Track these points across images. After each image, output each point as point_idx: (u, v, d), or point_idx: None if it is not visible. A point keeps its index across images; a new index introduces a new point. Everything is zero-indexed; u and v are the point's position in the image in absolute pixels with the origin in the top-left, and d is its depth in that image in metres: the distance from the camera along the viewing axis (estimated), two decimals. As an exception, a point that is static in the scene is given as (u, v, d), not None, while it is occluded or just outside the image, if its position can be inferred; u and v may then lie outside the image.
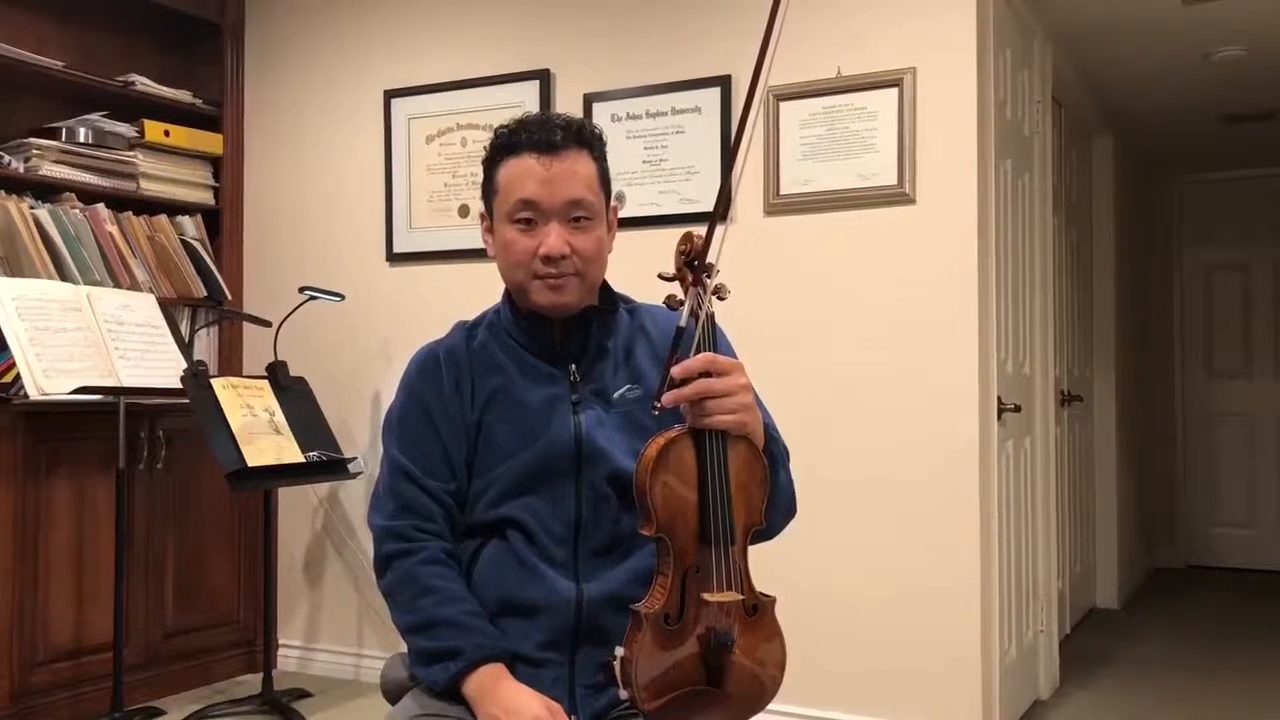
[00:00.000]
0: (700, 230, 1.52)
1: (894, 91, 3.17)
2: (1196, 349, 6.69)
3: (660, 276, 1.53)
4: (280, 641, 4.15)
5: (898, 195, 3.18)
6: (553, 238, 1.60)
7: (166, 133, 4.03)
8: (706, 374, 1.45)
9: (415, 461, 1.65)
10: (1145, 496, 6.28)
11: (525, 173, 1.61)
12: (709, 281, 1.48)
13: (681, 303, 1.49)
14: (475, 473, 1.66)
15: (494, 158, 1.67)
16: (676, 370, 1.44)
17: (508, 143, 1.64)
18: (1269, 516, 6.42)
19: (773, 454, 1.57)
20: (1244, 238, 6.54)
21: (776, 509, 1.58)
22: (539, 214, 1.61)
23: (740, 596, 1.47)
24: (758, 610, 1.51)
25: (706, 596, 1.44)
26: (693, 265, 1.50)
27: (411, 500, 1.64)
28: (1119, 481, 5.49)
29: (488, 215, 1.71)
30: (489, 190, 1.68)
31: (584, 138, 1.65)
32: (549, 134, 1.62)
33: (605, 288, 1.73)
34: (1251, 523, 6.48)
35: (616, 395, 1.65)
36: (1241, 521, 6.50)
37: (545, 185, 1.60)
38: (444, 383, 1.68)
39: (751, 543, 1.53)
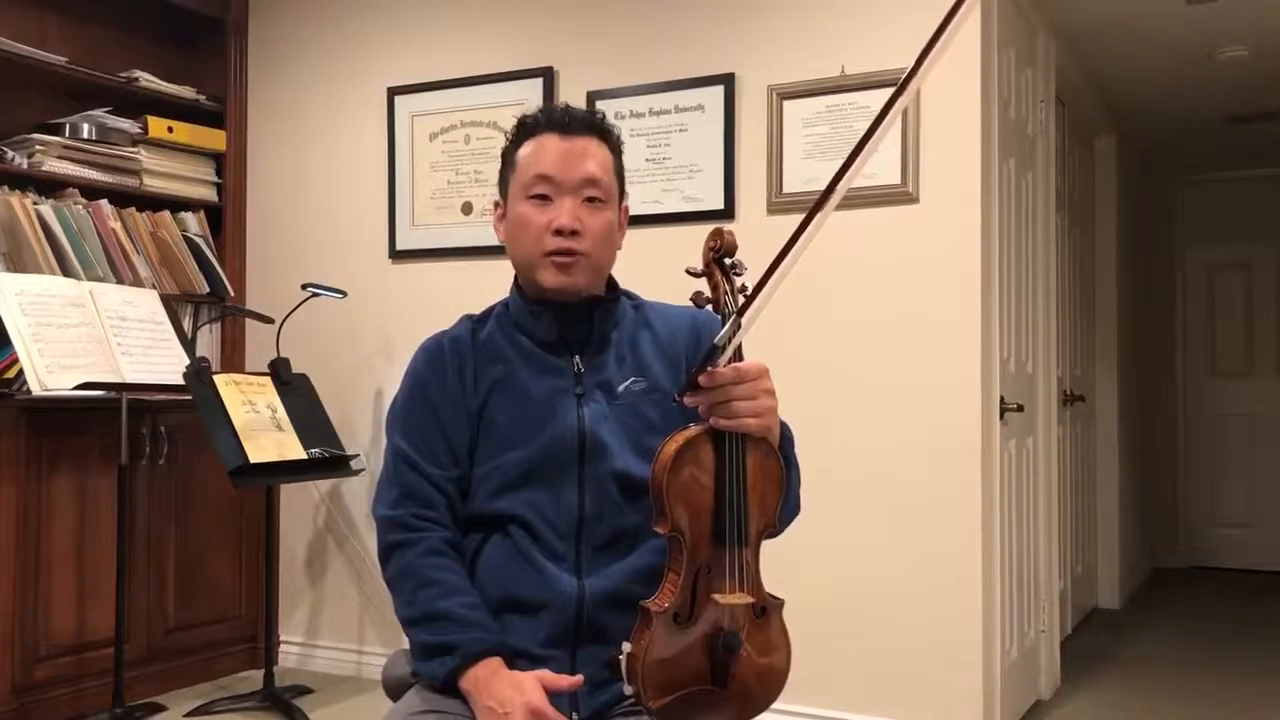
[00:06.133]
0: (726, 226, 1.53)
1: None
2: (1199, 349, 6.69)
3: (689, 272, 1.52)
4: (282, 638, 4.15)
5: (901, 194, 3.18)
6: (565, 211, 1.63)
7: (170, 129, 4.03)
8: (735, 382, 1.45)
9: (417, 448, 1.66)
10: (1147, 496, 6.28)
11: (544, 149, 1.66)
12: (741, 283, 1.47)
13: (709, 300, 1.48)
14: (476, 460, 1.66)
15: (515, 141, 1.71)
16: (704, 379, 1.42)
17: (529, 125, 1.69)
18: (1271, 517, 6.43)
19: (786, 455, 1.57)
20: (1246, 237, 6.55)
21: (786, 510, 1.58)
22: (554, 189, 1.64)
23: (751, 599, 1.46)
24: (766, 612, 1.51)
25: (718, 598, 1.44)
26: (721, 263, 1.49)
27: (414, 487, 1.64)
28: (1121, 481, 5.49)
29: (503, 200, 1.73)
30: (506, 171, 1.71)
31: (602, 129, 1.70)
32: (569, 118, 1.67)
33: (610, 281, 1.75)
34: (1253, 523, 6.48)
35: (621, 388, 1.66)
36: (1243, 522, 6.50)
37: (562, 160, 1.64)
38: (448, 371, 1.69)
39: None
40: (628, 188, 1.79)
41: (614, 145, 1.71)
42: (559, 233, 1.62)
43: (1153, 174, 6.51)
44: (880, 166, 3.18)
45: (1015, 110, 3.57)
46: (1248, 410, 6.53)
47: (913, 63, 1.35)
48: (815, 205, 1.38)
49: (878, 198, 3.19)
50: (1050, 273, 3.93)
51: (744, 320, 1.42)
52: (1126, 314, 5.68)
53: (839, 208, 3.41)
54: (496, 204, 1.75)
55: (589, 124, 1.68)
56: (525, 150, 1.68)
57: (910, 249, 3.18)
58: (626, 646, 1.43)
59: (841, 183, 1.35)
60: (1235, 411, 6.56)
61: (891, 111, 1.33)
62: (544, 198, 1.64)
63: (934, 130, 3.15)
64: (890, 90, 3.38)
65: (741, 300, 1.44)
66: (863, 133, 1.38)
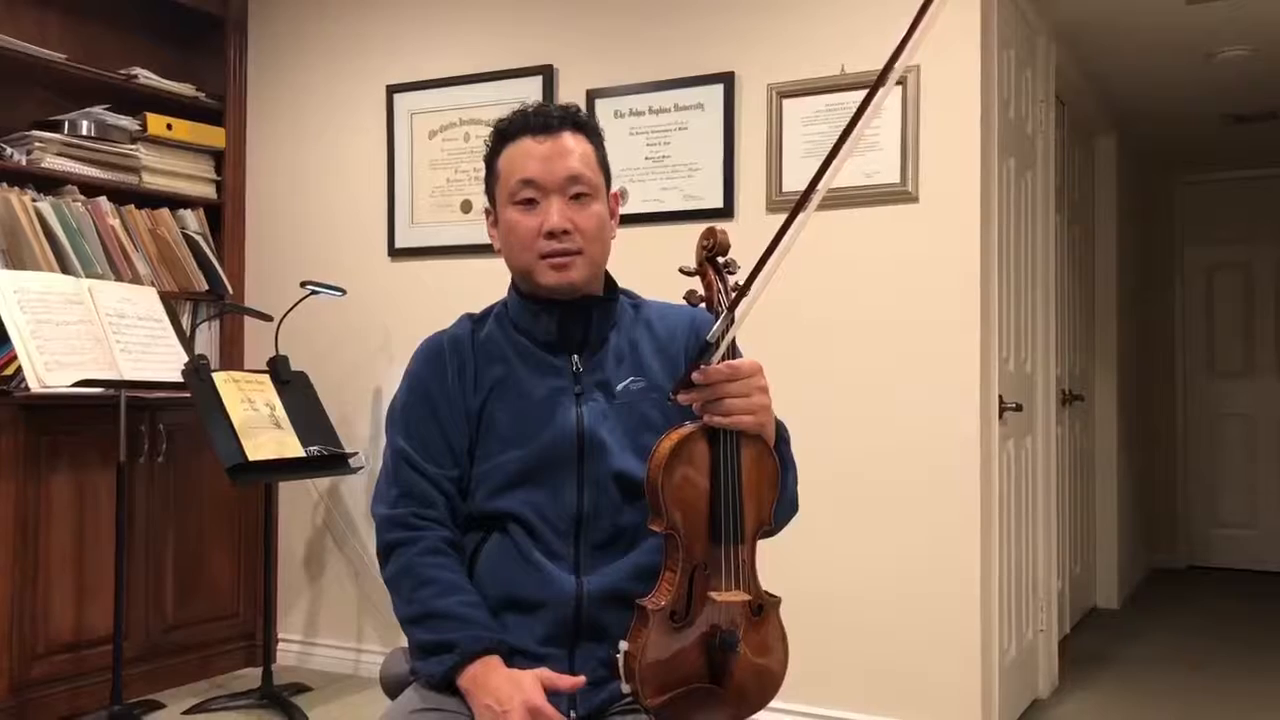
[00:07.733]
0: (720, 225, 1.53)
1: (897, 89, 3.17)
2: (1198, 348, 6.68)
3: (682, 271, 1.52)
4: (280, 636, 4.16)
5: (901, 193, 3.17)
6: (554, 213, 1.63)
7: (169, 126, 4.03)
8: (728, 379, 1.45)
9: (417, 448, 1.66)
10: (1146, 496, 6.28)
11: (524, 154, 1.66)
12: (734, 281, 1.47)
13: (702, 299, 1.49)
14: (476, 459, 1.67)
15: (494, 148, 1.71)
16: (698, 376, 1.43)
17: (506, 131, 1.69)
18: (1270, 517, 6.42)
19: (782, 454, 1.57)
20: (1246, 237, 6.54)
21: (782, 508, 1.58)
22: (539, 191, 1.64)
23: (747, 597, 1.46)
24: (763, 610, 1.51)
25: (714, 596, 1.44)
26: (714, 261, 1.49)
27: (413, 486, 1.65)
28: (1119, 481, 5.48)
29: (492, 207, 1.73)
30: (491, 180, 1.72)
31: (579, 122, 1.69)
32: (545, 119, 1.67)
33: (609, 280, 1.75)
34: (1252, 523, 6.48)
35: (620, 387, 1.66)
36: (1242, 522, 6.50)
37: (543, 163, 1.64)
38: (447, 371, 1.69)
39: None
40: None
41: (593, 136, 1.70)
42: (550, 235, 1.62)
43: (1152, 174, 6.51)
44: (880, 166, 3.18)
45: (1015, 110, 3.57)
46: (1248, 410, 6.52)
47: (890, 55, 1.36)
48: (804, 195, 1.38)
49: (877, 197, 3.19)
50: (1050, 272, 3.93)
51: (736, 314, 1.42)
52: (1125, 313, 5.68)
53: (840, 207, 3.42)
54: (488, 211, 1.75)
55: (565, 120, 1.67)
56: (506, 156, 1.68)
57: (910, 249, 3.17)
58: (624, 645, 1.43)
59: (832, 168, 1.35)
60: (1235, 411, 6.55)
61: (875, 102, 1.34)
62: (530, 201, 1.65)
63: (934, 130, 3.14)
64: (889, 89, 3.38)
65: (734, 297, 1.44)
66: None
